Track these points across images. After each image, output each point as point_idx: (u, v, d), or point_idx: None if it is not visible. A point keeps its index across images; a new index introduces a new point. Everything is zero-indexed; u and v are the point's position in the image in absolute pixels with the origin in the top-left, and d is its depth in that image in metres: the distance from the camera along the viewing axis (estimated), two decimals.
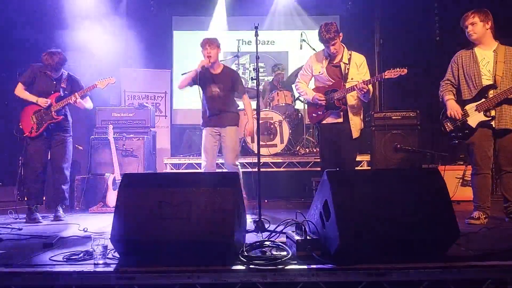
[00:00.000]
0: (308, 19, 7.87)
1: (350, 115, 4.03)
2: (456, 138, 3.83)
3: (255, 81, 3.69)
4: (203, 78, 4.46)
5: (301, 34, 6.22)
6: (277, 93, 6.28)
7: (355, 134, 4.05)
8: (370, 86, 3.86)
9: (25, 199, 4.40)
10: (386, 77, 3.77)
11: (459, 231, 2.37)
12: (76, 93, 4.32)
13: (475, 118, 3.64)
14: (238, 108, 4.79)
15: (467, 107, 3.68)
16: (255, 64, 3.62)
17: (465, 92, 3.73)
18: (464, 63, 3.72)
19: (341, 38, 3.95)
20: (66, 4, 6.41)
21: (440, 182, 2.53)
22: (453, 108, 3.71)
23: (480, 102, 3.62)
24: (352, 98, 4.02)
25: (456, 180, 5.18)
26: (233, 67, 7.77)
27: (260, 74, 3.74)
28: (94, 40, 6.24)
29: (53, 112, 4.27)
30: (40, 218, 4.20)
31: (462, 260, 2.33)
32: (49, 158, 4.48)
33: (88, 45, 6.10)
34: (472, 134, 3.67)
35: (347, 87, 3.93)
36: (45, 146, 4.36)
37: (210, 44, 4.35)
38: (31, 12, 6.30)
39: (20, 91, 4.34)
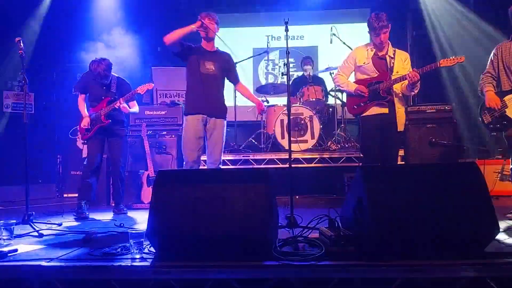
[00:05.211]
0: (338, 12, 7.76)
1: (397, 106, 3.85)
2: (494, 130, 3.73)
3: (285, 76, 3.68)
4: (196, 52, 4.09)
5: (331, 28, 6.10)
6: (307, 88, 6.21)
7: (400, 127, 3.87)
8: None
9: (77, 195, 4.56)
10: (441, 65, 3.56)
11: (498, 226, 2.30)
12: (120, 99, 4.49)
13: None
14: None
15: (506, 98, 3.57)
16: (285, 59, 3.60)
17: (504, 83, 3.64)
18: (504, 54, 3.63)
19: (389, 28, 3.76)
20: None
21: (478, 176, 2.46)
22: (491, 99, 3.61)
23: None
24: (397, 90, 3.85)
25: (494, 175, 5.02)
26: (263, 63, 7.80)
27: (290, 70, 3.73)
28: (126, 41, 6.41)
29: (103, 116, 4.48)
30: (87, 214, 4.31)
31: (502, 257, 2.26)
32: (105, 157, 4.81)
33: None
34: (511, 126, 3.55)
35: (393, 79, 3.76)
36: (100, 147, 4.56)
37: (210, 17, 4.02)
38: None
39: (80, 102, 4.64)
